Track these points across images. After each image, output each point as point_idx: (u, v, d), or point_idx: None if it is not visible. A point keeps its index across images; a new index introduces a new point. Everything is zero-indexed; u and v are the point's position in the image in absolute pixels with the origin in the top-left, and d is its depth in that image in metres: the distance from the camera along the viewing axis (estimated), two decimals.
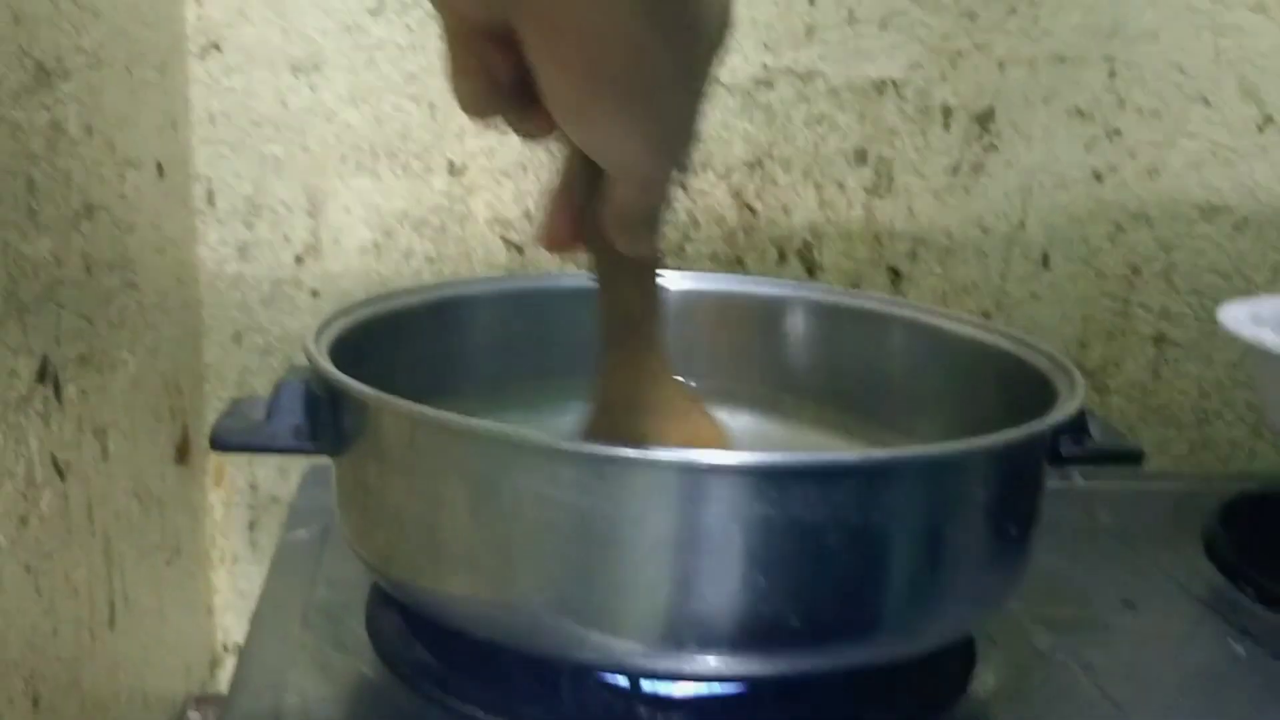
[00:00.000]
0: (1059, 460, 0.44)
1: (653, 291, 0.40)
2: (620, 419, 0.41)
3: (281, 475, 0.67)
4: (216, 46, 0.62)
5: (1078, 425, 0.44)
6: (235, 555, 0.68)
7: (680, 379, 0.42)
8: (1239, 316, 0.56)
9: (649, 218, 0.35)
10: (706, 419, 0.43)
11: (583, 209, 0.36)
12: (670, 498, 0.35)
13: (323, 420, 0.42)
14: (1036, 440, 0.41)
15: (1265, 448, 0.74)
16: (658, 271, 0.40)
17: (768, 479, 0.35)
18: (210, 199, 0.63)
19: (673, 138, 0.32)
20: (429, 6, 0.63)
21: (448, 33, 0.31)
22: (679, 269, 0.65)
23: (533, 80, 0.30)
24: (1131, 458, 0.47)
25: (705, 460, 0.35)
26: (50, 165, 0.45)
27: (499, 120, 0.33)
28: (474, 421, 0.37)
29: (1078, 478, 0.63)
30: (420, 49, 0.63)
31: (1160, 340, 0.72)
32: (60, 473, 0.47)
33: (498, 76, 0.31)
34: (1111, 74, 0.67)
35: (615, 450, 0.36)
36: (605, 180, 0.33)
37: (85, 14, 0.48)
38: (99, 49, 0.50)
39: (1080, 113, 0.68)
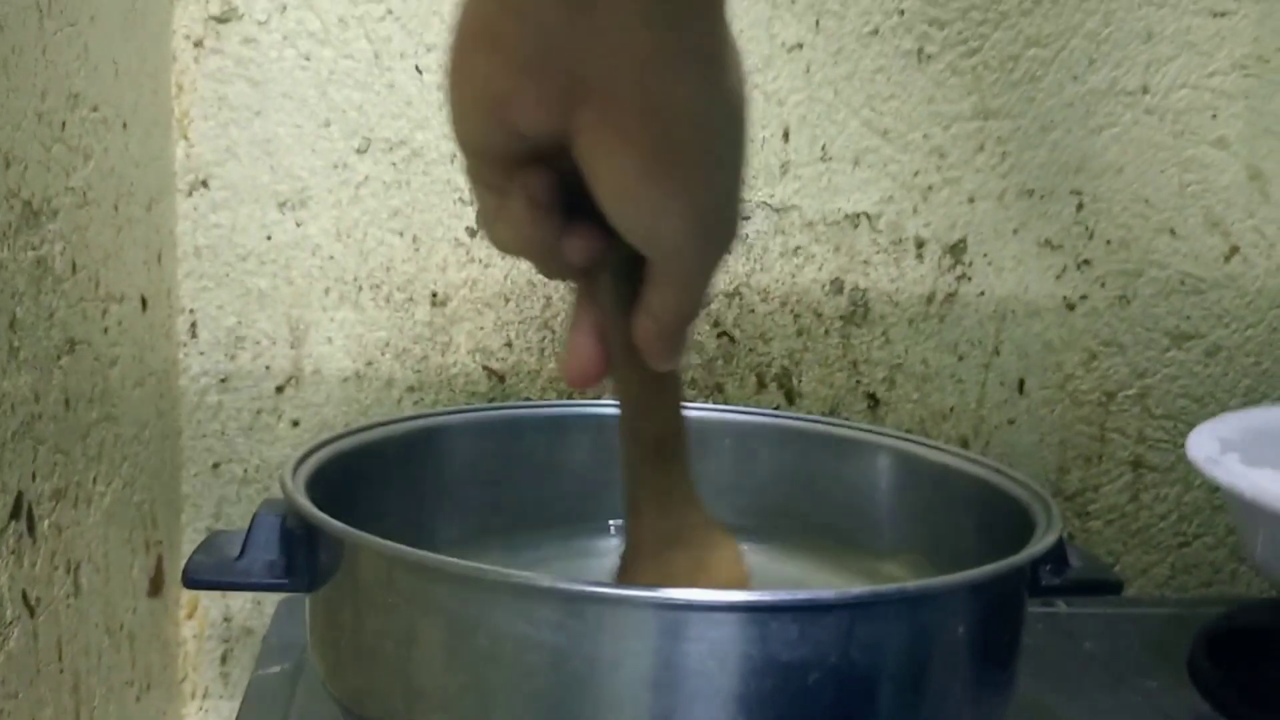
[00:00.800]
0: (1039, 591, 0.44)
1: (681, 413, 0.39)
2: (656, 558, 0.39)
3: (256, 607, 0.66)
4: (205, 184, 0.63)
5: (1057, 555, 0.44)
6: (207, 689, 0.67)
7: (706, 507, 0.41)
8: (1206, 446, 0.56)
9: (688, 323, 0.35)
10: (734, 553, 0.42)
11: (609, 338, 0.36)
12: (648, 636, 0.35)
13: (298, 557, 0.42)
14: (1016, 572, 0.41)
15: (1246, 570, 0.74)
16: (682, 392, 0.39)
17: (747, 617, 0.35)
18: (193, 331, 0.64)
19: (725, 223, 0.32)
20: (417, 145, 0.65)
21: (487, 171, 0.31)
22: None
23: (571, 199, 0.31)
24: (1111, 587, 0.47)
25: (683, 598, 0.35)
26: (34, 302, 0.46)
27: (537, 253, 0.33)
28: (449, 560, 0.37)
29: (1060, 604, 0.62)
30: (404, 185, 0.64)
31: (1138, 465, 0.72)
32: (30, 609, 0.46)
33: (539, 199, 0.31)
34: (1079, 207, 0.69)
35: (592, 588, 0.36)
36: (647, 288, 0.33)
37: (76, 155, 0.49)
38: (87, 188, 0.50)
39: (1050, 244, 0.69)
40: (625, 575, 0.41)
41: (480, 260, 0.65)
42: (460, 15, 0.29)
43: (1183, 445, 0.72)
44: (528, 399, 0.67)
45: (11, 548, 0.44)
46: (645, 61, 0.28)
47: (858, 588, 0.38)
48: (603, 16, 0.27)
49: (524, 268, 0.66)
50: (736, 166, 0.32)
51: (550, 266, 0.34)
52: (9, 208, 0.43)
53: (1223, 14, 0.69)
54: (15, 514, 0.44)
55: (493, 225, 0.32)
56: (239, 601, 0.66)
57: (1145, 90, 0.69)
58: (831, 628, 0.35)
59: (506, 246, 0.33)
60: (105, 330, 0.53)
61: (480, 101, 0.30)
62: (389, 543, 0.38)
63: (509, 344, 0.66)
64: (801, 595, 0.36)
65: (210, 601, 0.66)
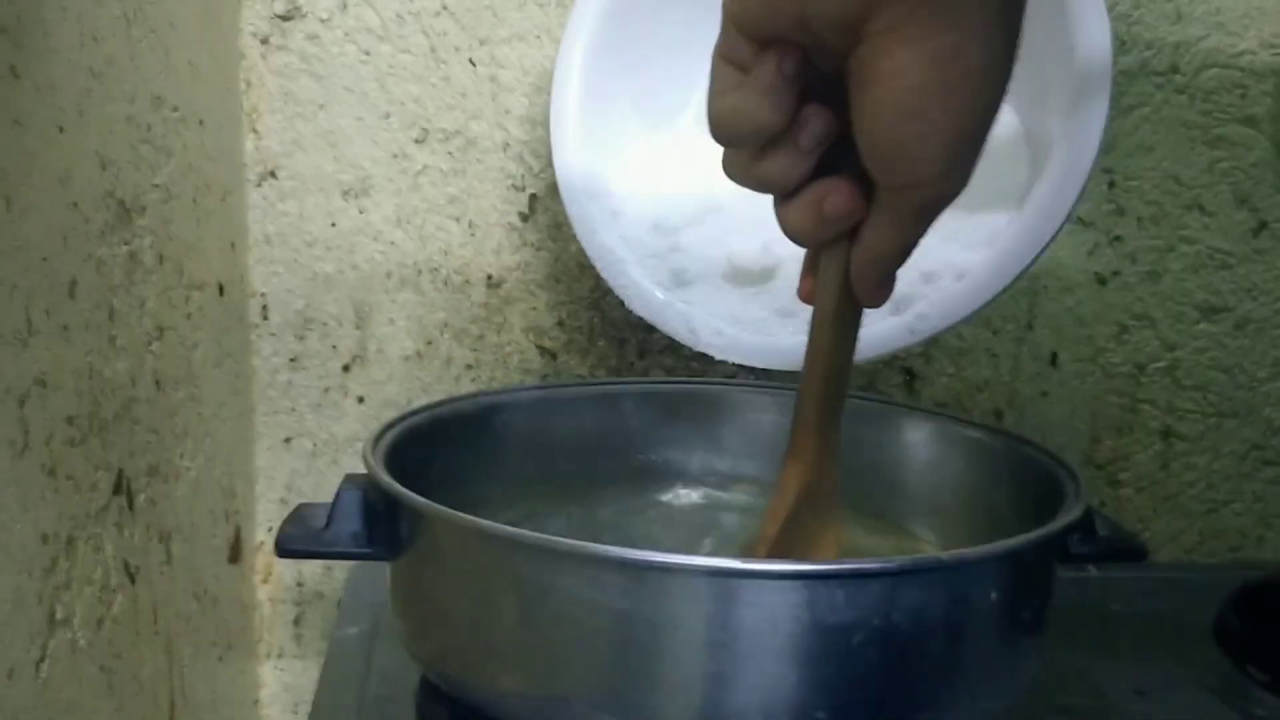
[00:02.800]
0: (1068, 558, 0.47)
1: (849, 362, 0.41)
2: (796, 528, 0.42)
3: (326, 572, 0.70)
4: (273, 174, 0.66)
5: (1085, 525, 0.47)
6: (281, 650, 0.71)
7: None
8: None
9: (902, 261, 0.36)
10: (837, 530, 0.44)
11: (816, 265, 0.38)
12: (705, 601, 0.38)
13: (379, 528, 0.45)
14: (1045, 542, 0.44)
15: (1274, 535, 0.76)
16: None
17: (797, 584, 0.38)
18: (265, 314, 0.68)
19: (968, 166, 0.33)
20: (472, 135, 0.67)
21: (742, 44, 0.33)
22: (703, 376, 0.69)
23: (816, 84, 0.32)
24: (1136, 554, 0.50)
25: (737, 566, 0.38)
26: (128, 293, 0.49)
27: (763, 128, 0.33)
28: (523, 532, 0.40)
29: (1091, 568, 0.65)
30: (461, 174, 0.67)
31: (1167, 434, 0.75)
32: (131, 577, 0.50)
33: (788, 72, 0.32)
34: (1111, 185, 0.71)
35: (653, 556, 0.39)
36: (868, 226, 0.35)
37: (160, 154, 0.53)
38: (170, 184, 0.54)
39: (1082, 221, 0.71)
40: (772, 516, 0.42)
41: (532, 244, 0.68)
42: None
43: (1212, 415, 0.74)
44: (580, 376, 0.70)
45: (115, 520, 0.48)
46: None
47: (898, 558, 0.41)
48: None
49: (574, 250, 0.69)
50: (996, 111, 0.32)
51: (764, 154, 0.35)
52: (106, 207, 0.47)
53: None
54: (117, 490, 0.48)
55: (726, 98, 0.33)
56: (310, 567, 0.70)
57: (1175, 70, 0.70)
58: (874, 594, 0.38)
59: (733, 119, 0.33)
60: (188, 316, 0.57)
61: None
62: (466, 515, 0.41)
63: (560, 323, 0.69)
64: (847, 565, 0.39)
65: (284, 567, 0.70)
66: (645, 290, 0.59)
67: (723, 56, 0.34)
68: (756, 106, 0.33)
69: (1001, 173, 0.57)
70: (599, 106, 0.62)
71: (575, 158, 0.60)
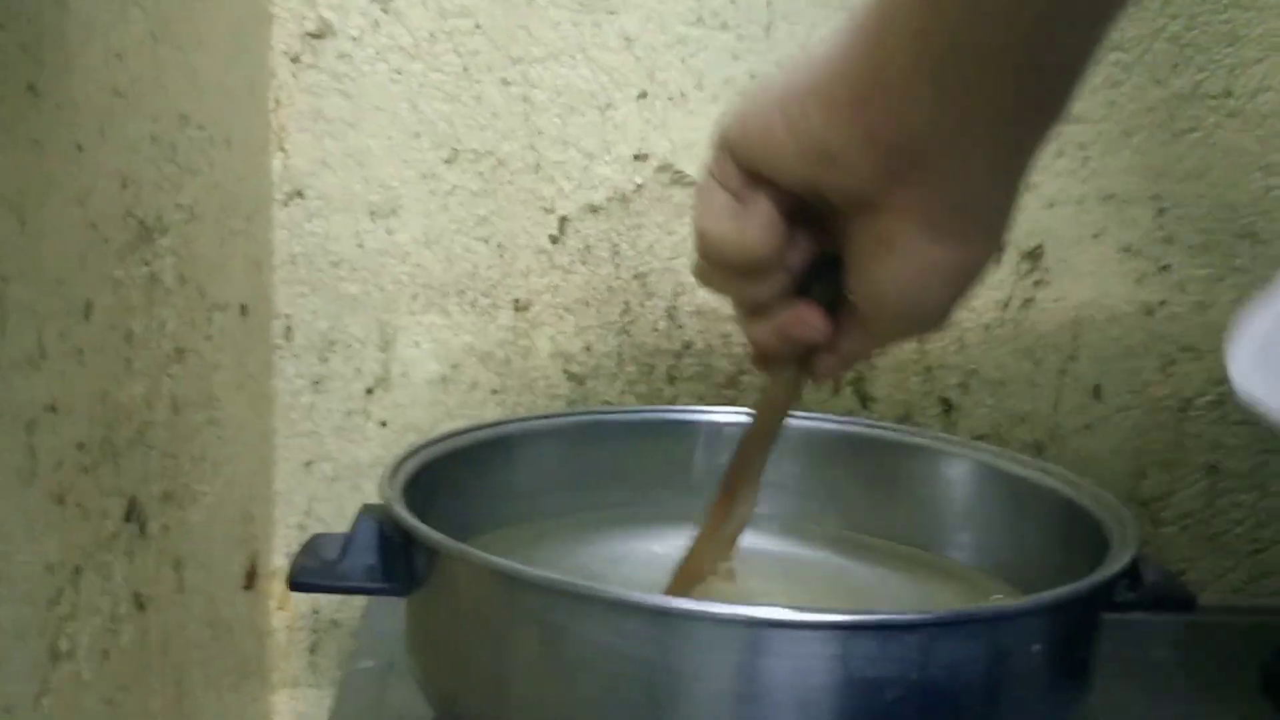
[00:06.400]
0: (1113, 607, 0.45)
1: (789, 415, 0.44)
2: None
3: (343, 600, 0.68)
4: (300, 194, 0.65)
5: (1131, 572, 0.45)
6: (296, 678, 0.70)
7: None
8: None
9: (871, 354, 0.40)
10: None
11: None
12: (731, 652, 0.36)
13: (396, 562, 0.44)
14: (1091, 592, 0.42)
15: None
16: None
17: (830, 635, 0.36)
18: (288, 335, 0.66)
19: (949, 319, 0.35)
20: (502, 155, 0.66)
21: (739, 177, 0.34)
22: (734, 405, 0.67)
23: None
24: (1184, 603, 0.48)
25: (767, 616, 0.37)
26: (147, 315, 0.48)
27: (757, 258, 0.35)
28: (543, 573, 0.39)
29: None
30: (490, 194, 0.66)
31: (1213, 470, 0.72)
32: (141, 606, 0.49)
33: (783, 211, 0.34)
34: (1160, 211, 0.69)
35: (679, 604, 0.37)
36: (847, 334, 0.37)
37: (185, 173, 0.52)
38: (195, 204, 0.53)
39: (1129, 249, 0.69)
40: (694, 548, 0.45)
41: (562, 267, 0.67)
42: (815, 62, 0.31)
43: (1259, 451, 0.72)
44: (607, 402, 0.68)
45: (125, 549, 0.47)
46: (994, 161, 0.30)
47: (938, 610, 0.39)
48: (976, 107, 0.29)
49: (603, 274, 0.67)
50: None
51: (749, 275, 0.36)
52: (126, 227, 0.46)
53: None
54: (129, 517, 0.47)
55: (720, 224, 0.35)
56: (327, 595, 0.69)
57: (1229, 94, 0.68)
58: (911, 647, 0.36)
59: (729, 247, 0.35)
60: (209, 338, 0.56)
61: (800, 144, 0.32)
62: (483, 554, 0.40)
63: (588, 348, 0.68)
64: (883, 616, 0.37)
65: (300, 594, 0.69)
66: None
67: (715, 178, 0.35)
68: (754, 241, 0.35)
69: None
70: None
71: None
